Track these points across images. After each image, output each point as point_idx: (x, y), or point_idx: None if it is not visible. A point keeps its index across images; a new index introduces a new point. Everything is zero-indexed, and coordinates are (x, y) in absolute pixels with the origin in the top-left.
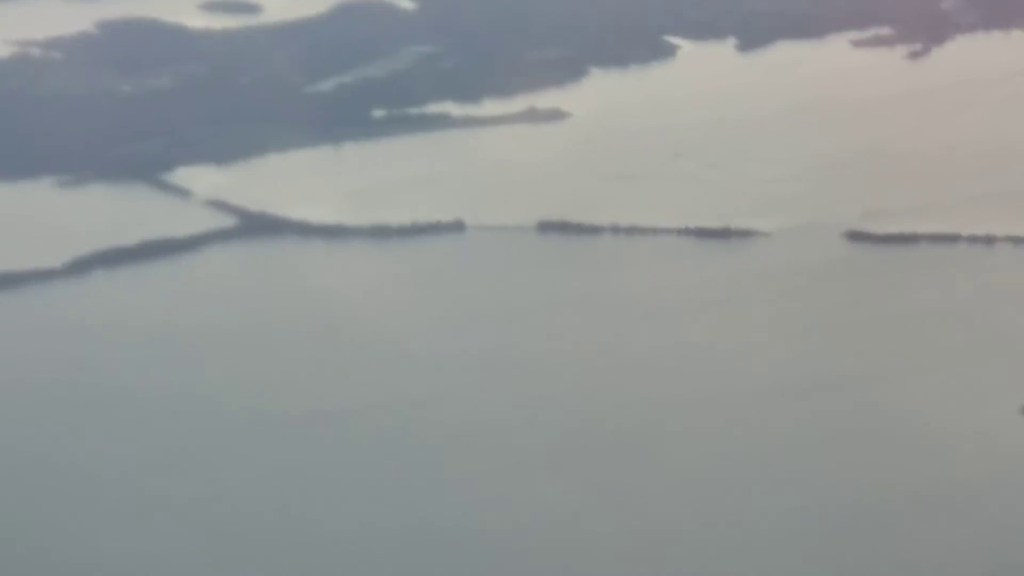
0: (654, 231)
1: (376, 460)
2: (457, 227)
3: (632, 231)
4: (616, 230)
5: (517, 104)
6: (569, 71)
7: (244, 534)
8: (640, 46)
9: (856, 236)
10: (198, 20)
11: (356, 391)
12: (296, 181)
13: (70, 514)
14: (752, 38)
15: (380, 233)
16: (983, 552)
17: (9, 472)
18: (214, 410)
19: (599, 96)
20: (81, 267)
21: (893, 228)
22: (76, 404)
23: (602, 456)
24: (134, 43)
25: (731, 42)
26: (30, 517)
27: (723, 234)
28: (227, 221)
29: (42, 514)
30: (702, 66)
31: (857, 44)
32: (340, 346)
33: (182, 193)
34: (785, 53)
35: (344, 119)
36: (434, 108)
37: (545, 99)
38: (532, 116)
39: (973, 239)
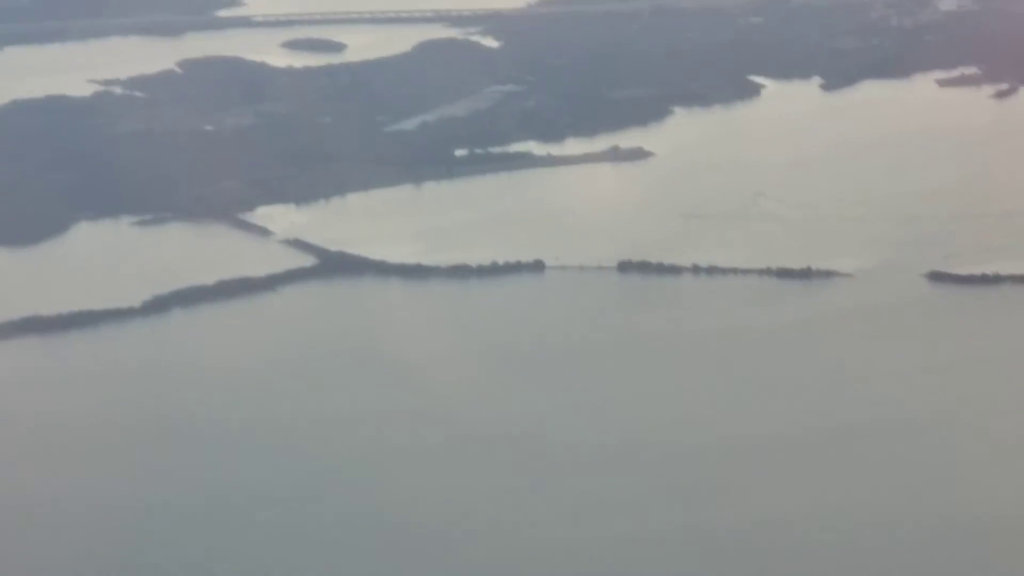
0: (735, 271)
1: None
2: (537, 267)
3: (713, 271)
4: (696, 270)
5: (600, 143)
6: (652, 110)
7: None
8: (724, 85)
9: (938, 276)
10: (281, 59)
11: (437, 427)
12: (376, 220)
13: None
14: (837, 77)
15: (459, 272)
16: None
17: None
18: (298, 444)
19: (682, 135)
20: (159, 306)
21: (976, 269)
22: (154, 440)
23: (685, 491)
24: (216, 82)
25: (816, 81)
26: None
27: (804, 274)
28: (306, 260)
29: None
30: (786, 105)
31: (943, 83)
32: (418, 384)
33: (261, 232)
34: (870, 92)
35: (426, 158)
36: (516, 147)
37: (628, 138)
38: (614, 155)
39: None
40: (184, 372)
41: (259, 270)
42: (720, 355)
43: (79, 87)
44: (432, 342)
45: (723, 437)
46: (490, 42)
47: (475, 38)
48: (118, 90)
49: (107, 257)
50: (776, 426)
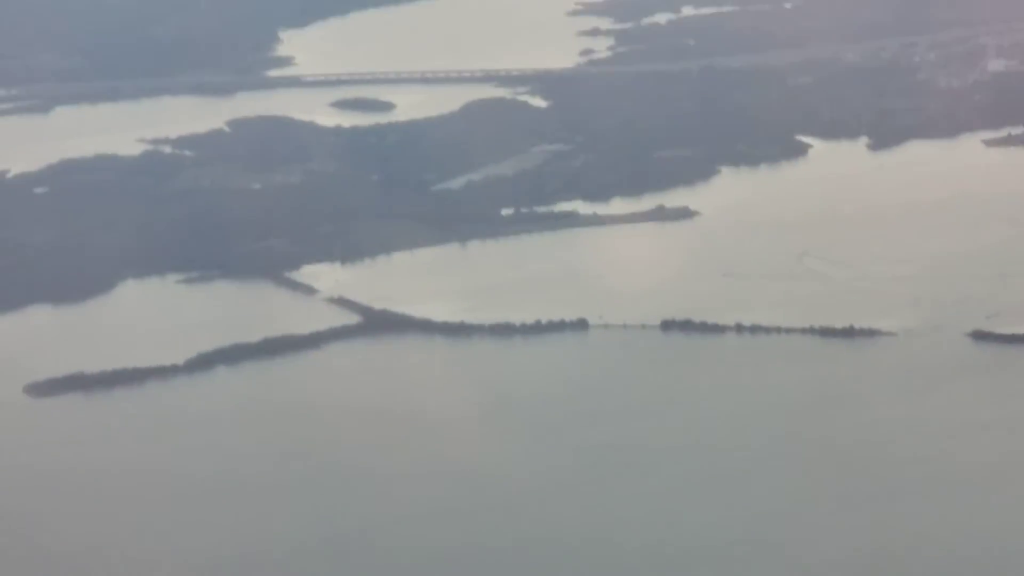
0: (778, 330)
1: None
2: (580, 325)
3: (756, 330)
4: (740, 329)
5: (645, 203)
6: (699, 170)
7: None
8: (771, 145)
9: (981, 336)
10: (329, 118)
11: (480, 485)
12: (421, 279)
13: None
14: (884, 137)
15: (502, 331)
16: None
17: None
18: (341, 501)
19: (728, 195)
20: (204, 364)
21: (1019, 328)
22: (200, 495)
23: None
24: (265, 140)
25: (863, 141)
26: None
27: (847, 333)
28: (350, 318)
29: None
30: (833, 165)
31: (990, 143)
32: (462, 441)
33: (306, 290)
34: (917, 152)
35: (472, 217)
36: (562, 206)
37: (674, 198)
38: (660, 215)
39: None
40: (227, 428)
41: (303, 328)
42: (760, 412)
43: (129, 146)
44: (471, 400)
45: (766, 493)
46: (538, 101)
47: (523, 98)
48: (167, 149)
49: (152, 315)
50: (819, 484)
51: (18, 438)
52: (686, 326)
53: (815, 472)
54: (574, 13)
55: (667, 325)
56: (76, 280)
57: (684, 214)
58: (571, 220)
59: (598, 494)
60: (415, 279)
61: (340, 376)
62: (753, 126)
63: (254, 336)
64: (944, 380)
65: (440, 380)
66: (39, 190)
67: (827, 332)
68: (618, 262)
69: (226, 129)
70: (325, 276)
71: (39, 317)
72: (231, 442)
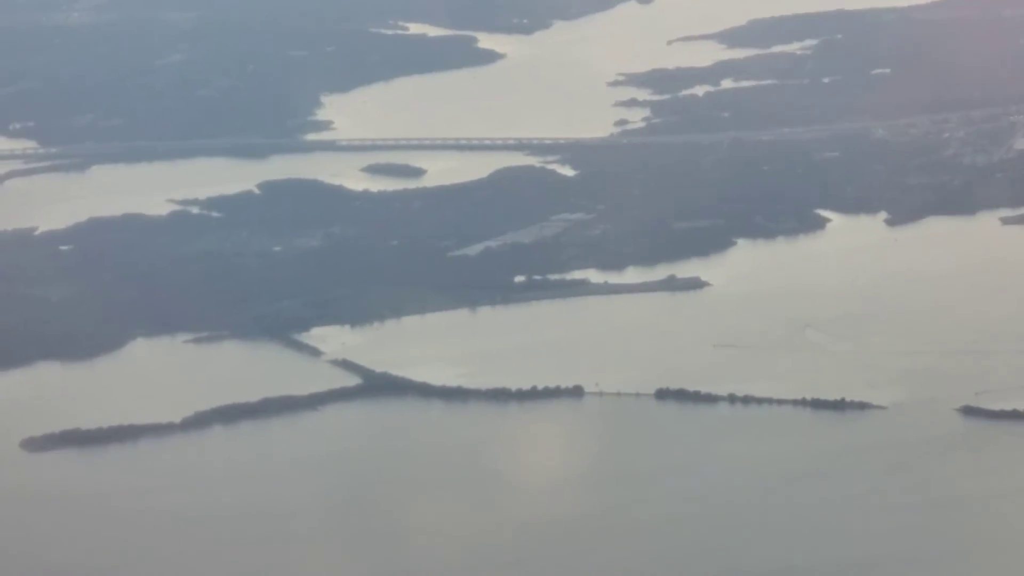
0: (770, 400)
1: None
2: (576, 392)
3: (748, 400)
4: (732, 399)
5: (659, 272)
6: (715, 241)
7: None
8: (790, 218)
9: (970, 411)
10: (359, 183)
11: (473, 553)
12: (426, 343)
13: None
14: (903, 212)
15: (499, 396)
16: None
17: None
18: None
19: (741, 266)
20: (200, 422)
21: (1007, 405)
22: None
23: None
24: (292, 203)
25: (882, 216)
26: None
27: (838, 406)
28: (351, 380)
29: None
30: (849, 239)
31: (1007, 221)
32: (449, 507)
33: (312, 352)
34: (934, 228)
35: (485, 283)
36: (576, 274)
37: (687, 268)
38: (671, 284)
39: None
40: (213, 486)
41: (303, 389)
42: (744, 483)
43: (158, 206)
44: (459, 464)
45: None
46: (566, 170)
47: (552, 166)
48: (195, 210)
49: (157, 373)
50: (789, 557)
51: (7, 491)
52: (680, 395)
53: (789, 544)
54: (615, 84)
55: (662, 394)
56: (88, 337)
57: (695, 284)
58: (582, 288)
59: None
60: (421, 343)
61: (332, 437)
62: (774, 199)
63: (254, 396)
64: (929, 454)
65: (430, 443)
66: (64, 247)
67: (818, 404)
68: (622, 331)
69: (256, 191)
70: (332, 338)
71: (46, 373)
72: (209, 499)
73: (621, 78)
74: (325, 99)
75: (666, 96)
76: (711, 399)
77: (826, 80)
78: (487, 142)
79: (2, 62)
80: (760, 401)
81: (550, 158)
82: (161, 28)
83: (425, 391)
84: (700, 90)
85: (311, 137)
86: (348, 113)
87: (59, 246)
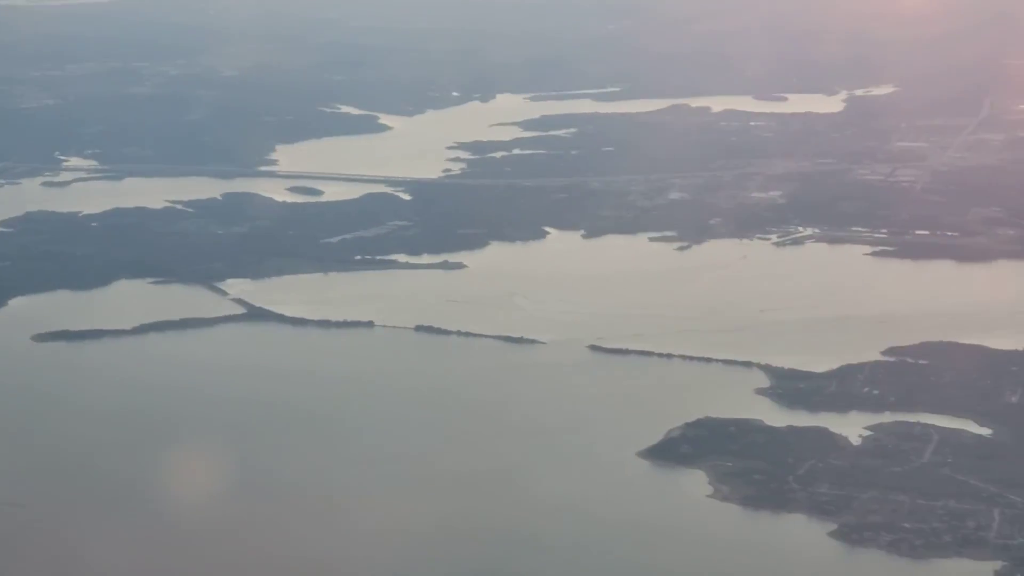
0: (479, 335)
1: None
2: (369, 324)
3: (468, 334)
4: (460, 333)
5: (441, 258)
6: (478, 242)
7: None
8: (525, 230)
9: (595, 348)
10: (282, 196)
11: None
12: (292, 292)
13: None
14: (595, 230)
15: (325, 324)
16: None
17: None
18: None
19: (490, 258)
20: (142, 330)
21: (621, 346)
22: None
23: None
24: (238, 206)
25: (581, 232)
26: None
27: (519, 341)
28: (241, 311)
29: None
30: (560, 245)
31: (653, 239)
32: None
33: (221, 293)
34: (612, 242)
35: (337, 258)
36: (392, 256)
37: (458, 257)
38: (445, 266)
39: None
40: (139, 368)
41: (211, 314)
42: (437, 383)
43: (157, 203)
44: (281, 359)
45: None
46: (406, 196)
47: (398, 193)
48: (179, 207)
49: (125, 301)
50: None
51: (22, 360)
52: (429, 329)
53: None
54: (450, 147)
55: (419, 328)
56: (89, 279)
57: (458, 266)
58: (393, 265)
59: None
60: (288, 291)
61: (227, 345)
62: (520, 217)
63: (179, 316)
64: (562, 373)
65: (271, 348)
66: (93, 224)
67: (507, 339)
68: (407, 290)
69: (219, 198)
70: (237, 286)
71: (59, 297)
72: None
73: (454, 144)
74: (278, 147)
75: (477, 156)
76: (446, 332)
77: (574, 152)
78: (365, 177)
79: (92, 114)
80: (475, 335)
81: (398, 188)
82: (191, 96)
83: (282, 319)
84: (498, 154)
85: (263, 168)
86: (290, 156)
87: (91, 224)
